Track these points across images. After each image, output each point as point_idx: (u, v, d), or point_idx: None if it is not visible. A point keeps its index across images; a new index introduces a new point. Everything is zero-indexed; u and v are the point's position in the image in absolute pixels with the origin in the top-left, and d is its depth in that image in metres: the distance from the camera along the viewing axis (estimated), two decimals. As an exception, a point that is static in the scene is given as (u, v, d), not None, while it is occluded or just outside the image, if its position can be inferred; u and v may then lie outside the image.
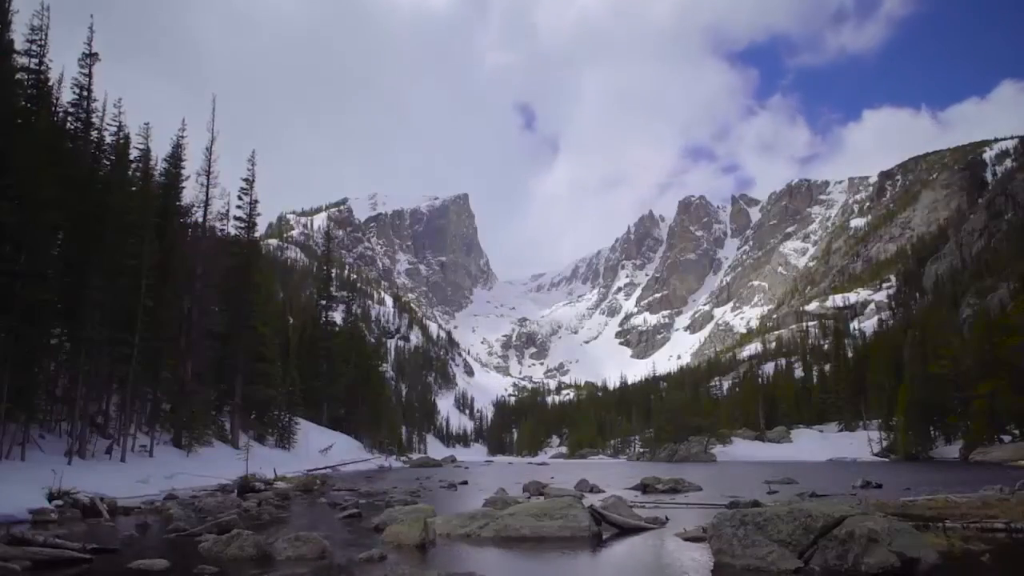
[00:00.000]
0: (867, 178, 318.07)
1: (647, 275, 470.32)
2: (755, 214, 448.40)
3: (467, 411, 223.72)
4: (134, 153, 34.08)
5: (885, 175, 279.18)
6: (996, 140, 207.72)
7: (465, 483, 30.03)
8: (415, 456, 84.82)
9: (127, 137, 32.27)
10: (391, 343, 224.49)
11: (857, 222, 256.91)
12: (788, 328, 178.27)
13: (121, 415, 27.72)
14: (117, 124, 31.33)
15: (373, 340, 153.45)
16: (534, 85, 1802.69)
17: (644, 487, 23.55)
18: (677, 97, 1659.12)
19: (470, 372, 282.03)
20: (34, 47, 27.50)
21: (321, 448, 49.52)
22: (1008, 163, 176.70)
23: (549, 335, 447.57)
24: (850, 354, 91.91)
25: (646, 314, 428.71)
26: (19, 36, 26.28)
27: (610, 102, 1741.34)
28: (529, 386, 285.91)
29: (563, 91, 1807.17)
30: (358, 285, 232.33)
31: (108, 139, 31.10)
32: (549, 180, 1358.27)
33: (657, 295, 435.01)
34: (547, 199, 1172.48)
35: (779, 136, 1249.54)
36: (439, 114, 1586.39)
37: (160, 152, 39.58)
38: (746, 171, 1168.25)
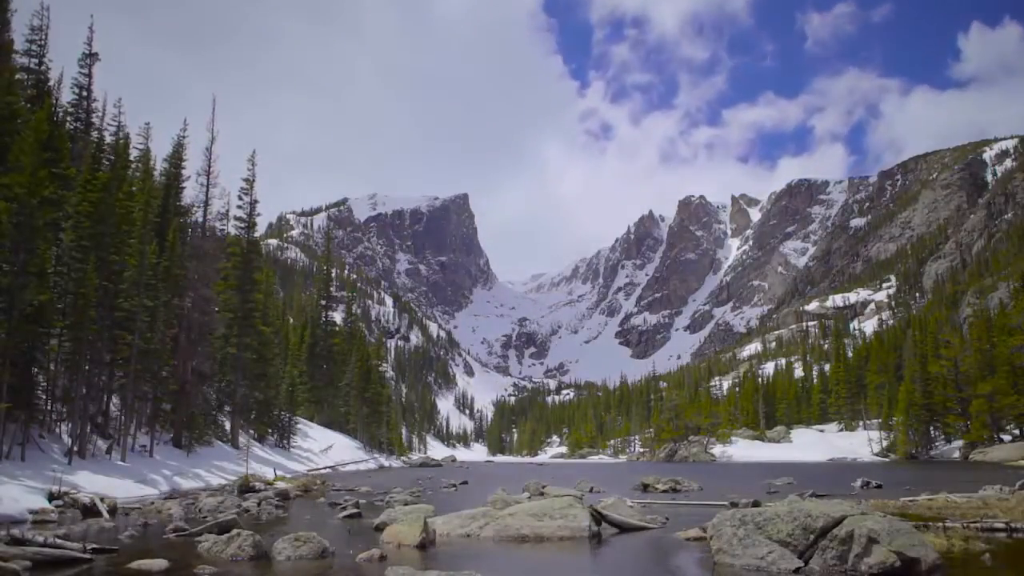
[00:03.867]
0: (867, 178, 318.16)
1: (647, 275, 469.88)
2: (755, 214, 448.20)
3: (467, 411, 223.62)
4: (134, 153, 34.10)
5: (885, 175, 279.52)
6: (996, 140, 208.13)
7: (465, 483, 30.04)
8: (415, 456, 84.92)
9: (127, 137, 32.30)
10: (391, 343, 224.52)
11: (857, 222, 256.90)
12: (788, 328, 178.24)
13: (121, 415, 27.69)
14: (117, 124, 31.36)
15: (373, 340, 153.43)
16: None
17: (644, 487, 23.59)
18: None
19: (470, 372, 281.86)
20: (34, 47, 27.58)
21: (321, 448, 49.60)
22: (1008, 163, 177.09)
23: (549, 335, 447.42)
24: (850, 354, 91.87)
25: (646, 314, 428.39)
26: (19, 36, 26.35)
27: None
28: (529, 386, 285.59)
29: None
30: (358, 285, 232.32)
31: (108, 139, 31.11)
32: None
33: (657, 295, 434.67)
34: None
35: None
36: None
37: (160, 152, 39.65)
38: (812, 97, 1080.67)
